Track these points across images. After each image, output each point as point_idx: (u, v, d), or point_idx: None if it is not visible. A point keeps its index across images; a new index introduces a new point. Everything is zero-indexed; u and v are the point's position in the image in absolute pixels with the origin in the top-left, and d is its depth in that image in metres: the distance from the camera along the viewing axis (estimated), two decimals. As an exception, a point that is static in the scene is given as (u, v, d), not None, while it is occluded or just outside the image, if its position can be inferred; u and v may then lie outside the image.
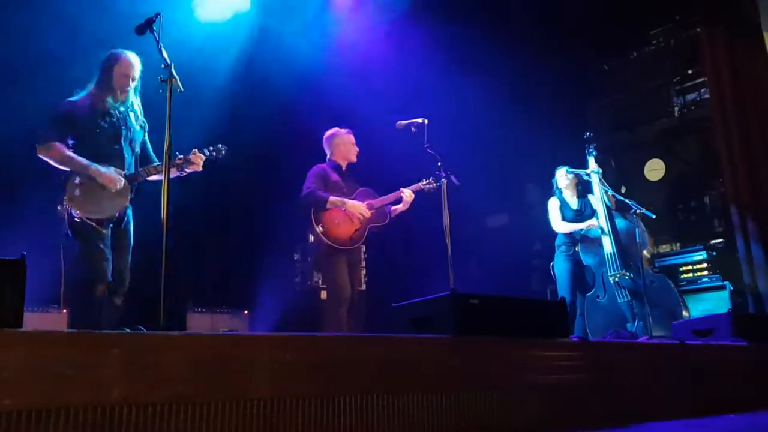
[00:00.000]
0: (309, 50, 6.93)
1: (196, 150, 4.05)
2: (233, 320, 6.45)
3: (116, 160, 3.94)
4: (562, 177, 6.02)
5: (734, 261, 6.49)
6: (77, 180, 3.81)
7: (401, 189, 5.03)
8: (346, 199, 4.95)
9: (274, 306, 6.63)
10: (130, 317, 3.78)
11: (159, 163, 4.04)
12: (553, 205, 5.96)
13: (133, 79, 4.03)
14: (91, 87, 4.00)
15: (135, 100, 4.10)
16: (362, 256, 5.19)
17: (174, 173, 3.93)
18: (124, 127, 4.00)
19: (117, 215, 3.89)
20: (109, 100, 3.97)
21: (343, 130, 5.21)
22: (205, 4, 6.18)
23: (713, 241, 6.81)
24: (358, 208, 4.94)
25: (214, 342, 2.21)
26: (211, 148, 4.15)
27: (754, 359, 4.16)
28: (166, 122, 3.35)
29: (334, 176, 5.07)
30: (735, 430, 3.21)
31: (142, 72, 4.09)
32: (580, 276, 5.81)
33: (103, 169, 3.83)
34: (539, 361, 3.03)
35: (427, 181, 5.08)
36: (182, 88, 3.43)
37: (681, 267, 6.65)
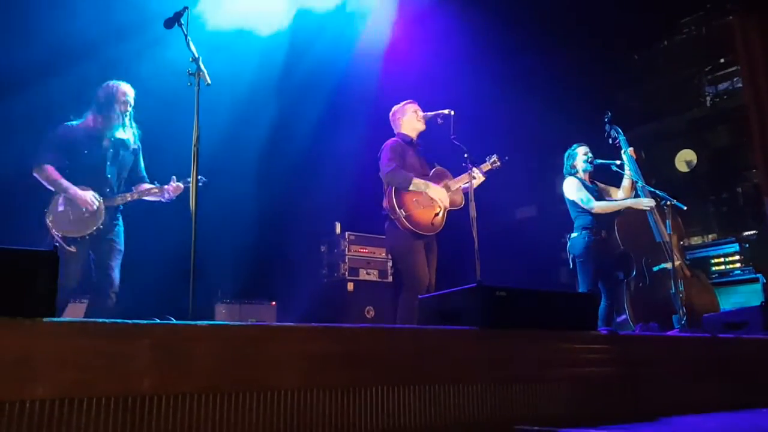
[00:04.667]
0: (332, 44, 6.93)
1: (175, 177, 4.38)
2: (261, 311, 6.50)
3: (101, 184, 4.27)
4: (582, 160, 5.56)
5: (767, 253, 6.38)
6: (60, 200, 4.15)
7: (472, 168, 4.71)
8: (429, 183, 4.67)
9: (301, 297, 6.67)
10: (159, 308, 3.86)
11: (141, 187, 4.43)
12: (576, 184, 5.47)
13: (131, 105, 4.37)
14: (88, 115, 4.33)
15: (130, 128, 4.42)
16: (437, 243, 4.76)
17: (155, 197, 4.41)
18: (113, 153, 4.33)
19: (92, 233, 4.17)
20: (105, 127, 4.29)
21: (405, 101, 4.98)
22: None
23: (746, 233, 6.69)
24: (440, 194, 4.67)
25: (242, 332, 2.23)
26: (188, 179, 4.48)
27: (788, 353, 4.08)
28: (195, 115, 3.41)
29: (410, 151, 4.82)
30: (765, 425, 3.16)
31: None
32: (605, 263, 5.37)
33: (80, 192, 4.15)
34: (567, 354, 3.01)
35: (492, 159, 4.95)
36: (209, 81, 3.51)
37: (713, 259, 6.55)
